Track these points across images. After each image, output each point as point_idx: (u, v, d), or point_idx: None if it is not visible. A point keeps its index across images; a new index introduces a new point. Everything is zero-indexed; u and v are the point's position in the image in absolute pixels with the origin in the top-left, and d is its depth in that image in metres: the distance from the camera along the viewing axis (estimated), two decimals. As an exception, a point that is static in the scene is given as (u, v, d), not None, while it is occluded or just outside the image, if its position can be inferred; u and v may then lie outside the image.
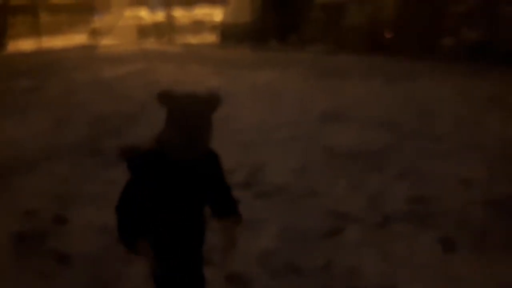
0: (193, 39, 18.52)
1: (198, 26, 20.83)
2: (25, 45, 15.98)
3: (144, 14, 19.15)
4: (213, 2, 19.18)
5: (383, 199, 3.66)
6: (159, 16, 20.33)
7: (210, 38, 18.71)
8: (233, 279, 2.61)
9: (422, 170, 4.20)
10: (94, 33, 18.17)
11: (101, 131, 5.87)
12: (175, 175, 1.61)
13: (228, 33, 16.69)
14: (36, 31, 16.99)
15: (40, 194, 3.92)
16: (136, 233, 1.63)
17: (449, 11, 14.76)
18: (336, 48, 13.08)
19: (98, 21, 19.56)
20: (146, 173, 1.60)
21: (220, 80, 9.23)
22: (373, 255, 2.87)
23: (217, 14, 18.65)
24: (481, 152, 4.63)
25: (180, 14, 21.08)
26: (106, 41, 17.19)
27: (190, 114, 1.53)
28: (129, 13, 18.98)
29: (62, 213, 3.49)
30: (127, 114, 6.68)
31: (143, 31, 18.81)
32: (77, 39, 17.97)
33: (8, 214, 3.52)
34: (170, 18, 18.79)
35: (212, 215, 1.82)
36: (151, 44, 17.31)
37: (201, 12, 21.98)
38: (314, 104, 7.07)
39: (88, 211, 3.52)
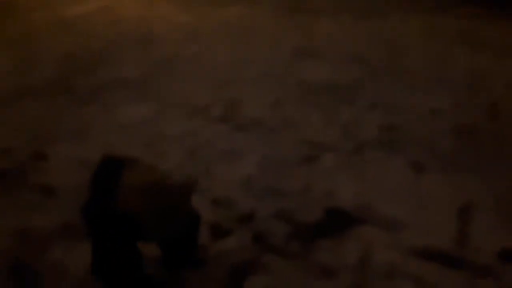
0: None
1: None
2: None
3: None
4: None
5: (356, 129, 3.81)
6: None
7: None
8: (219, 202, 2.74)
9: (392, 102, 4.36)
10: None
11: (70, 69, 5.68)
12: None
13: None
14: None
15: (15, 132, 3.86)
16: None
17: None
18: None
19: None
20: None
21: (189, 17, 8.96)
22: (347, 179, 3.05)
23: None
24: (448, 84, 4.82)
25: None
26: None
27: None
28: None
29: (40, 150, 3.48)
30: (95, 52, 6.45)
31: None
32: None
33: (-16, 152, 3.48)
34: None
35: None
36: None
37: None
38: (286, 41, 7.03)
39: (66, 146, 3.52)
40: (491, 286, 2.15)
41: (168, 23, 8.33)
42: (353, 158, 3.34)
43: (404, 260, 2.29)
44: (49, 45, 7.02)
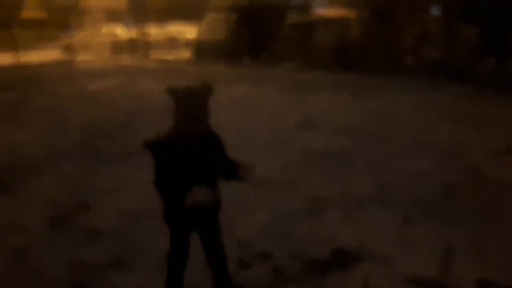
0: (167, 56, 19.12)
1: (172, 42, 21.47)
2: (1, 59, 16.12)
3: (119, 31, 19.57)
4: (186, 19, 19.83)
5: (353, 187, 4.40)
6: (133, 32, 20.81)
7: (184, 54, 19.38)
8: (242, 244, 3.26)
9: (383, 165, 5.01)
10: (69, 48, 18.41)
11: (95, 136, 6.35)
12: (187, 149, 2.14)
13: (202, 50, 17.40)
14: (11, 45, 17.10)
15: (55, 188, 4.42)
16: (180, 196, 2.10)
17: (409, 32, 16.03)
18: (306, 65, 14.01)
19: (72, 37, 19.80)
20: (166, 152, 2.15)
21: (201, 93, 9.88)
22: (347, 226, 3.58)
23: (190, 31, 19.32)
24: (432, 152, 5.50)
25: (154, 31, 21.66)
26: (81, 57, 17.51)
27: (192, 99, 2.14)
28: (103, 29, 19.35)
29: (82, 201, 4.03)
30: (117, 122, 7.19)
31: (118, 47, 19.24)
32: (51, 54, 18.21)
33: (36, 204, 4.02)
34: (144, 35, 19.29)
35: (226, 179, 2.36)
36: (126, 60, 17.77)
37: (175, 29, 22.63)
38: (288, 114, 7.83)
39: (104, 199, 4.08)
40: (468, 306, 2.62)
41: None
42: (351, 210, 3.90)
43: (396, 287, 2.78)
44: (74, 115, 7.80)
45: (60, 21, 20.33)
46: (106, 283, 2.79)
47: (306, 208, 3.92)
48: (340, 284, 2.81)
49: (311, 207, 3.94)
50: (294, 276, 2.90)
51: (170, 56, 19.01)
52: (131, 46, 19.22)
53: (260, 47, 16.24)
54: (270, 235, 3.41)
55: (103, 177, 4.65)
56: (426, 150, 5.57)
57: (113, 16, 18.76)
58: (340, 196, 4.19)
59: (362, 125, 6.98)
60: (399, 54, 14.04)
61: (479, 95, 9.48)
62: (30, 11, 20.70)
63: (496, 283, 2.83)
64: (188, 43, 19.03)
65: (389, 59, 13.45)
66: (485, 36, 12.14)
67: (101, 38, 19.24)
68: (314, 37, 14.38)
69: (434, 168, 4.91)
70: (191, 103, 2.14)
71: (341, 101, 9.14)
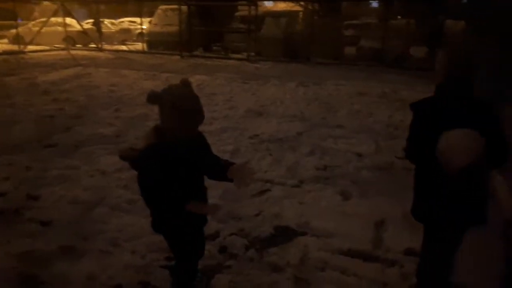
0: (121, 47, 18.48)
1: (125, 34, 20.75)
2: None
3: (71, 21, 18.62)
4: (139, 12, 19.19)
5: (298, 169, 4.49)
6: (86, 23, 19.92)
7: (137, 46, 18.81)
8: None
9: (326, 148, 5.13)
10: (18, 39, 17.34)
11: (47, 128, 6.05)
12: (178, 152, 1.93)
13: (155, 42, 16.98)
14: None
15: (7, 180, 4.19)
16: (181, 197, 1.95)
17: (350, 25, 16.40)
18: (256, 56, 14.02)
19: (21, 27, 18.62)
20: (159, 158, 1.90)
21: (154, 82, 9.67)
22: (290, 206, 3.66)
23: (143, 23, 18.73)
24: (370, 134, 5.69)
25: (107, 22, 20.84)
26: (31, 48, 16.55)
27: (186, 101, 1.85)
28: (55, 20, 18.32)
29: (33, 193, 3.86)
30: (69, 114, 6.89)
31: (70, 38, 18.34)
32: None
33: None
34: (97, 25, 18.50)
35: (211, 178, 2.18)
36: (79, 51, 17.01)
37: (128, 20, 21.87)
38: (240, 103, 7.83)
39: (57, 189, 3.92)
40: (397, 272, 2.77)
41: (135, 89, 8.98)
42: (295, 190, 3.98)
43: (333, 258, 2.88)
44: (26, 107, 7.38)
45: (8, 11, 19.06)
46: (56, 272, 2.70)
47: (254, 189, 3.95)
48: (281, 257, 2.87)
49: (259, 188, 3.99)
50: (238, 254, 2.93)
51: (123, 47, 18.38)
52: (84, 37, 18.37)
53: (212, 38, 16.06)
54: (220, 216, 3.42)
55: (55, 168, 4.46)
56: (366, 132, 5.76)
57: (64, 7, 17.77)
58: (286, 178, 4.26)
59: (308, 111, 7.12)
60: (341, 44, 14.35)
61: (413, 80, 9.88)
62: (-24, 2, 19.28)
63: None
64: (141, 35, 18.44)
65: (332, 49, 13.71)
66: (420, 27, 12.61)
67: (52, 28, 18.22)
68: (263, 29, 14.37)
69: (373, 149, 5.10)
70: (189, 105, 1.86)
71: (289, 89, 9.25)
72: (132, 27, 21.72)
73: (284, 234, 3.19)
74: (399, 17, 18.52)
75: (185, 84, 1.94)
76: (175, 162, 1.93)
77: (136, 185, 3.92)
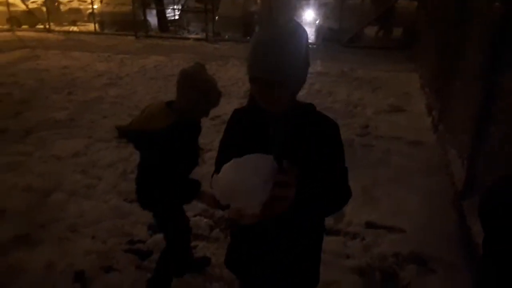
0: (71, 28, 17.61)
1: (75, 14, 19.76)
2: None
3: (14, 0, 17.47)
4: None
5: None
6: (33, 3, 18.76)
7: (89, 27, 17.99)
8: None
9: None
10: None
11: (-2, 115, 5.73)
12: (198, 132, 2.04)
13: (108, 22, 16.29)
14: None
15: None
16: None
17: (307, 4, 16.44)
18: (214, 36, 13.79)
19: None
20: (188, 135, 1.94)
21: (109, 64, 9.32)
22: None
23: (94, 3, 17.89)
24: (332, 112, 5.77)
25: (56, 1, 19.72)
26: (-28, 29, 15.45)
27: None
28: (-3, -1, 17.10)
29: (-18, 181, 3.66)
30: (20, 98, 6.54)
31: (15, 18, 17.24)
32: None
33: None
34: (46, 5, 17.46)
35: None
36: (26, 32, 16.05)
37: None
38: (199, 84, 7.71)
39: (8, 176, 3.73)
40: (358, 244, 2.87)
41: (89, 71, 8.61)
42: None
43: (297, 234, 2.94)
44: (-30, 92, 6.93)
45: None
46: (12, 262, 2.59)
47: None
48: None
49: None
50: (203, 234, 2.93)
51: (74, 28, 17.53)
52: (31, 17, 17.31)
53: (168, 18, 15.62)
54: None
55: (5, 155, 4.24)
56: (326, 112, 5.80)
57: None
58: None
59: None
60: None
61: (368, 60, 10.09)
62: None
63: (380, 224, 3.11)
64: (92, 15, 17.63)
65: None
66: (376, 7, 12.82)
67: (-5, 8, 17.03)
68: (220, 8, 14.12)
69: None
70: (211, 86, 1.95)
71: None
72: (82, 6, 20.71)
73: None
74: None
75: (201, 66, 2.01)
76: (196, 141, 2.02)
77: (94, 170, 3.81)
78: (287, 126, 1.29)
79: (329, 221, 3.11)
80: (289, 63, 1.18)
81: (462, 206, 3.03)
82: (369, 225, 3.10)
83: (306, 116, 1.31)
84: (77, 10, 20.53)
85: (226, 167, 1.08)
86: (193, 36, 14.50)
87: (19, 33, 15.18)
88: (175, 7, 16.46)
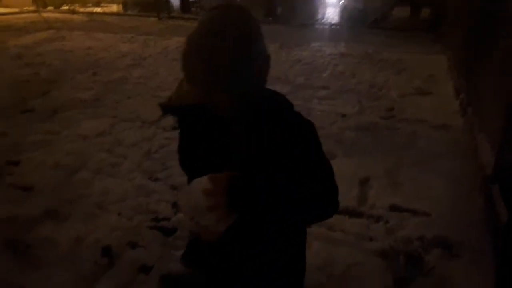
0: (95, 9, 17.74)
1: (99, -5, 19.89)
2: None
3: (40, -18, 17.66)
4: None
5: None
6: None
7: (112, 8, 18.09)
8: (176, 187, 3.23)
9: (310, 109, 5.12)
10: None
11: (23, 94, 5.85)
12: None
13: (131, 3, 16.34)
14: None
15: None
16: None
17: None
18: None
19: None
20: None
21: (132, 45, 9.37)
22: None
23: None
24: (354, 94, 5.70)
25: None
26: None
27: None
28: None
29: (12, 158, 3.76)
30: (46, 78, 6.66)
31: (41, 0, 17.48)
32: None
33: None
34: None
35: None
36: (51, 13, 16.26)
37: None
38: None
39: (36, 155, 3.83)
40: (381, 227, 2.84)
41: (112, 52, 8.68)
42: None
43: (320, 215, 2.93)
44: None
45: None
46: (41, 236, 2.67)
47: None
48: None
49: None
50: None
51: (98, 9, 17.65)
52: (55, -1, 17.53)
53: (189, 0, 15.55)
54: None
55: (34, 134, 4.34)
56: (349, 94, 5.75)
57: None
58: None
59: (291, 74, 7.03)
60: (322, 6, 14.11)
61: (394, 41, 9.84)
62: None
63: (405, 208, 3.07)
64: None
65: (313, 11, 13.47)
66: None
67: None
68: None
69: (356, 110, 5.11)
70: None
71: (271, 51, 8.98)
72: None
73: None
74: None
75: None
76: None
77: (119, 149, 3.87)
78: (245, 130, 1.15)
79: (352, 203, 3.09)
80: (209, 67, 0.98)
81: (491, 190, 2.96)
82: (393, 208, 3.06)
83: (271, 117, 1.14)
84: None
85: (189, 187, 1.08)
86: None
87: (44, 15, 15.38)
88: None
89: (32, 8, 16.73)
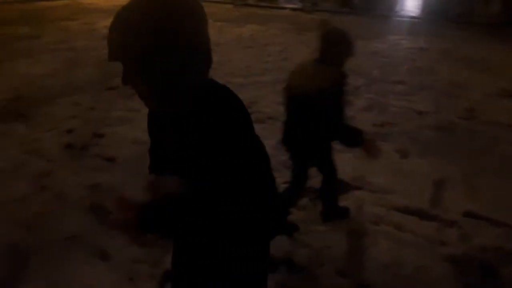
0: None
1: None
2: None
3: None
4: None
5: (355, 124, 4.37)
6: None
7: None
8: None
9: (384, 104, 4.95)
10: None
11: (108, 72, 6.23)
12: None
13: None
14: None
15: (74, 118, 4.44)
16: None
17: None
18: (312, 5, 13.48)
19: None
20: None
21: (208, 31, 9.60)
22: (346, 159, 3.60)
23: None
24: (431, 92, 5.41)
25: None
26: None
27: None
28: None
29: (98, 131, 4.06)
30: (129, 59, 7.03)
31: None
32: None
33: (53, 133, 4.06)
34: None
35: None
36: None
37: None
38: (294, 54, 7.64)
39: (119, 129, 4.10)
40: (454, 232, 2.71)
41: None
42: (351, 144, 3.91)
43: (388, 214, 2.85)
44: (87, 51, 7.63)
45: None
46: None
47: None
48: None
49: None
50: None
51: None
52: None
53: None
54: (274, 165, 3.45)
55: (117, 110, 4.65)
56: (426, 90, 5.48)
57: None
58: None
59: (366, 66, 6.82)
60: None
61: (479, 37, 9.16)
62: None
63: (481, 215, 2.89)
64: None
65: (392, 2, 12.89)
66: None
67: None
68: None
69: (433, 108, 4.86)
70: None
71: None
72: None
73: (340, 188, 3.18)
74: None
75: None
76: None
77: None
78: (172, 130, 1.08)
79: (424, 205, 2.97)
80: (124, 50, 0.92)
81: None
82: (469, 214, 2.89)
83: (193, 116, 1.01)
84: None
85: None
86: (289, 5, 14.31)
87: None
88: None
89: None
